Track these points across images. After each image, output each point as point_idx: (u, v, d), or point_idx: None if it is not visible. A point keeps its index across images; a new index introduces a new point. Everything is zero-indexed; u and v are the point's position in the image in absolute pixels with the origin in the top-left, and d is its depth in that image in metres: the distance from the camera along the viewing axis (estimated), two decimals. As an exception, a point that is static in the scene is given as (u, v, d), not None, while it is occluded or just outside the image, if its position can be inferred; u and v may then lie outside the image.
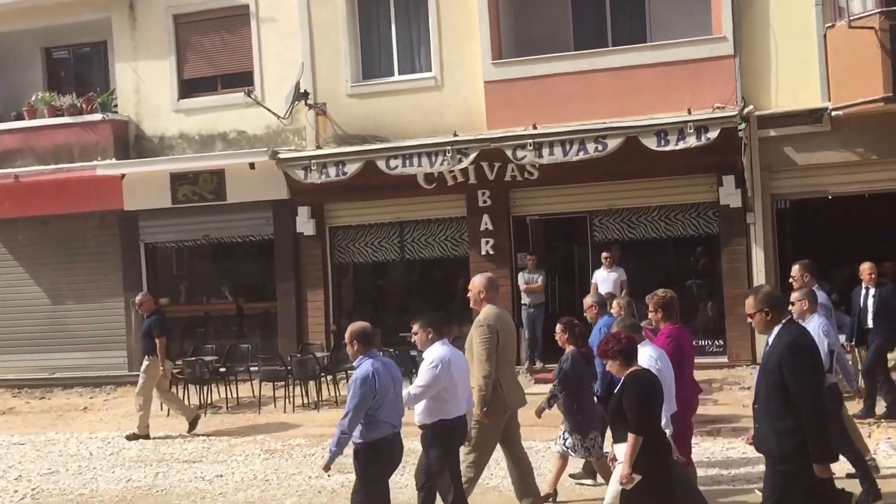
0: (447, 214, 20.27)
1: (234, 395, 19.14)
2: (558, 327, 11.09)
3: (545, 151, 18.07)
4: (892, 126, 17.22)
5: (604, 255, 18.47)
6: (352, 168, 19.36)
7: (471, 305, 10.37)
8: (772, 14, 17.87)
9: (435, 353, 9.45)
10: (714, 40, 18.17)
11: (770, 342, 7.63)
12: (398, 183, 19.45)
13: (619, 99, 18.29)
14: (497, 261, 19.49)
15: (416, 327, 9.66)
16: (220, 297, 22.76)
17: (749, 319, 7.84)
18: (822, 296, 11.50)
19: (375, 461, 8.95)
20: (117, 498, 13.06)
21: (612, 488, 8.45)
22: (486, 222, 19.60)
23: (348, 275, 21.76)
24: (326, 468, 9.05)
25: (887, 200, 18.24)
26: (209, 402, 18.83)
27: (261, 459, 14.74)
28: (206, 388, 18.94)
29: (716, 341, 18.15)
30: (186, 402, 18.52)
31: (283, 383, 18.58)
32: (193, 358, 19.28)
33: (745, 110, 17.58)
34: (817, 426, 7.27)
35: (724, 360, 18.04)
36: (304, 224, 20.78)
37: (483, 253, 19.60)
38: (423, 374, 9.38)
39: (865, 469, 10.40)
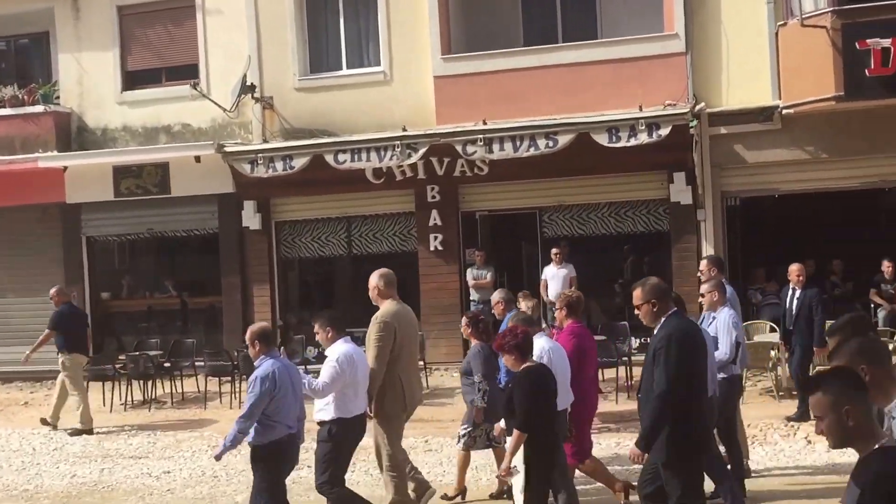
0: (395, 210, 19.53)
1: (180, 391, 18.38)
2: (463, 321, 10.89)
3: (495, 147, 17.43)
4: (841, 125, 16.75)
5: (553, 251, 17.88)
6: (299, 162, 18.59)
7: (372, 302, 10.07)
8: (723, 12, 17.29)
9: (338, 350, 9.17)
10: (665, 37, 17.57)
11: (655, 333, 7.60)
12: (346, 178, 18.68)
13: (570, 95, 17.64)
14: (445, 256, 18.87)
15: (316, 326, 9.40)
16: (164, 291, 21.87)
17: (636, 311, 7.74)
18: (729, 290, 11.14)
19: (272, 461, 8.77)
20: (62, 494, 12.51)
21: (517, 478, 8.27)
22: (434, 218, 18.87)
23: (294, 269, 20.95)
24: (218, 458, 8.92)
25: (836, 199, 17.86)
26: (153, 397, 18.03)
27: (208, 455, 13.90)
28: (150, 383, 18.11)
29: (665, 338, 17.50)
30: (129, 398, 17.78)
31: (229, 378, 17.80)
32: (137, 353, 18.47)
33: (697, 108, 17.01)
34: (654, 418, 7.36)
35: (674, 356, 17.36)
36: (250, 218, 19.92)
37: (431, 248, 18.89)
38: (327, 371, 9.09)
39: (739, 469, 10.23)
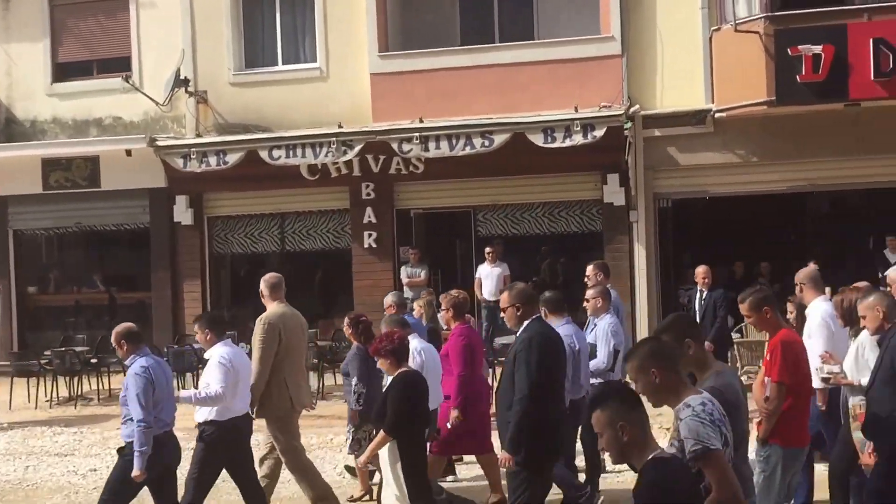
0: (330, 206, 19.23)
1: (107, 387, 17.70)
2: (346, 322, 10.74)
3: (431, 145, 17.26)
4: (772, 129, 16.79)
5: (487, 250, 17.74)
6: (233, 157, 18.24)
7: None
8: (659, 15, 17.24)
9: (219, 352, 8.90)
10: (602, 39, 17.51)
11: (517, 336, 7.75)
12: (280, 174, 18.34)
13: (507, 95, 17.49)
14: (380, 254, 18.62)
15: (196, 327, 9.20)
16: (92, 286, 21.35)
17: (502, 314, 7.97)
18: (613, 295, 11.25)
19: (150, 459, 8.34)
20: (-13, 491, 12.08)
21: (387, 491, 8.24)
22: (369, 215, 18.60)
23: (226, 266, 20.55)
24: (139, 476, 8.31)
25: (765, 202, 17.96)
26: (80, 393, 17.47)
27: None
28: (76, 379, 17.53)
29: (590, 338, 17.45)
30: (55, 394, 17.24)
31: (158, 375, 17.29)
32: (63, 348, 17.90)
33: (631, 110, 16.98)
34: (518, 421, 7.44)
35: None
36: (182, 213, 19.53)
37: (366, 246, 18.63)
38: (217, 373, 8.77)
39: (595, 469, 10.25)
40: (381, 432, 7.95)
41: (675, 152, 17.37)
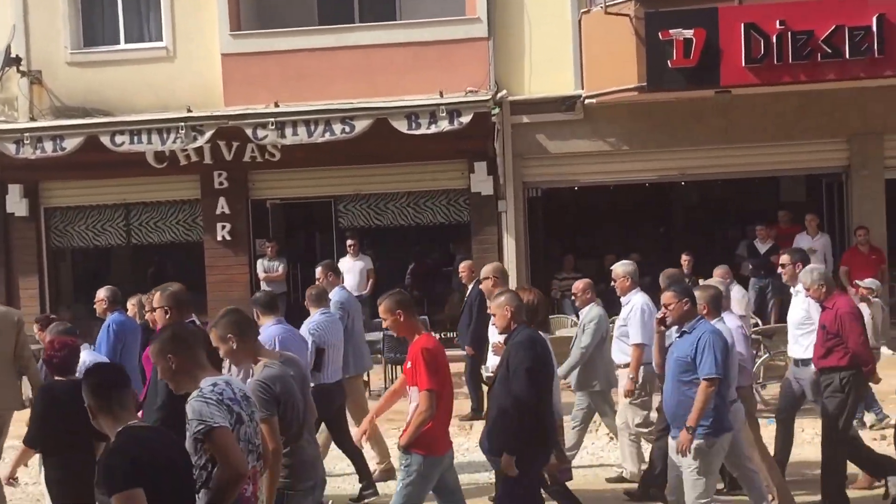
0: (179, 196, 18.79)
1: (-68, 396, 17.14)
2: (35, 325, 10.64)
3: (288, 131, 16.90)
4: (643, 117, 16.96)
5: (348, 242, 17.52)
6: (71, 143, 17.49)
7: None
8: (527, -4, 17.24)
9: None
10: (467, 21, 17.38)
11: None
12: (124, 161, 17.66)
13: (368, 78, 17.25)
14: (234, 247, 18.26)
15: None
16: (-87, 284, 20.41)
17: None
18: (342, 294, 11.47)
19: None
20: None
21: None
22: (222, 206, 18.21)
23: (67, 260, 19.87)
24: None
25: (636, 191, 18.36)
26: None
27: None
28: None
29: (467, 334, 17.59)
30: None
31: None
32: None
33: (499, 95, 16.91)
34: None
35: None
36: (16, 204, 18.77)
37: (219, 238, 18.21)
38: None
39: (362, 465, 10.49)
40: (23, 444, 7.86)
41: (545, 140, 17.43)
